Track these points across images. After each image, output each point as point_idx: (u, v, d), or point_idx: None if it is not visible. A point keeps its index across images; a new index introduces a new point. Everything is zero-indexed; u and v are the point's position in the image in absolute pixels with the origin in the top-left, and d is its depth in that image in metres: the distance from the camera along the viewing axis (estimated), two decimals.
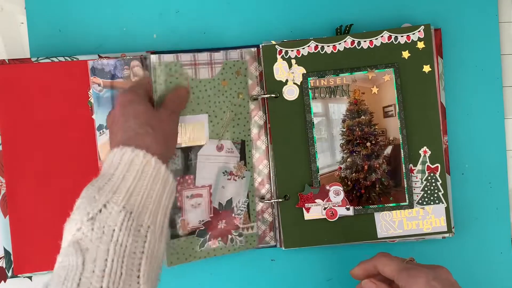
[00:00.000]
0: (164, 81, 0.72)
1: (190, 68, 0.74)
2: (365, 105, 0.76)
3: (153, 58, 0.72)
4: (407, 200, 0.76)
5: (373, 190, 0.76)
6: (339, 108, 0.76)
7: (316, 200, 0.76)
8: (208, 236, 0.75)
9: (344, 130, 0.76)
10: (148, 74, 0.73)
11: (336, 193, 0.76)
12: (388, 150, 0.76)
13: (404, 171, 0.76)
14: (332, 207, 0.76)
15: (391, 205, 0.76)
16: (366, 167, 0.76)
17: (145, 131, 0.62)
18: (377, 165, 0.76)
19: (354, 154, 0.76)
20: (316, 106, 0.76)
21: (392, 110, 0.76)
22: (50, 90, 0.75)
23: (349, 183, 0.76)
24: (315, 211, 0.76)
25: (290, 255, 0.80)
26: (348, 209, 0.76)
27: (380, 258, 0.65)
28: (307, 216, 0.76)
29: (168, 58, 0.73)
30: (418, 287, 0.60)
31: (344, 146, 0.76)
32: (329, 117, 0.76)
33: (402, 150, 0.76)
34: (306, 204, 0.76)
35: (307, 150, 0.76)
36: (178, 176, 0.73)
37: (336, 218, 0.76)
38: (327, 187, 0.76)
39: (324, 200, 0.76)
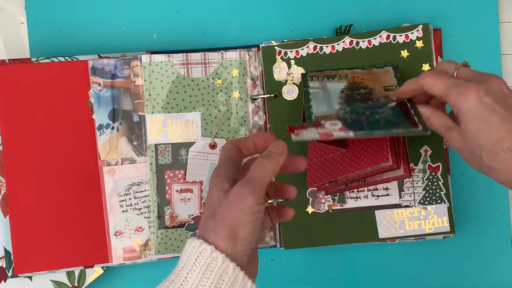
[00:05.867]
0: (154, 80, 0.75)
1: (182, 67, 0.75)
2: (364, 84, 0.73)
3: (144, 58, 0.75)
4: (419, 126, 0.62)
5: (378, 125, 0.65)
6: (337, 86, 0.73)
7: (308, 128, 0.64)
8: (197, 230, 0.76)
9: (343, 97, 0.71)
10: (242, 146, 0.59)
11: (333, 125, 0.64)
12: (392, 104, 0.68)
13: (411, 109, 0.65)
14: (328, 131, 0.63)
15: (400, 130, 0.63)
16: (368, 112, 0.67)
17: (209, 225, 0.53)
18: (381, 112, 0.68)
19: (355, 105, 0.69)
20: (313, 83, 0.74)
21: (393, 89, 0.73)
22: (50, 90, 0.75)
23: (348, 120, 0.66)
24: (306, 135, 0.63)
25: (290, 255, 0.80)
26: (347, 132, 0.62)
27: (427, 77, 0.60)
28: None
29: (159, 58, 0.75)
30: (469, 105, 0.56)
31: (343, 102, 0.70)
32: (327, 89, 0.73)
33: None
34: (295, 130, 0.63)
35: (307, 149, 0.76)
36: (168, 171, 0.76)
37: (332, 138, 0.63)
38: (322, 121, 0.64)
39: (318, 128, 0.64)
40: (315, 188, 0.76)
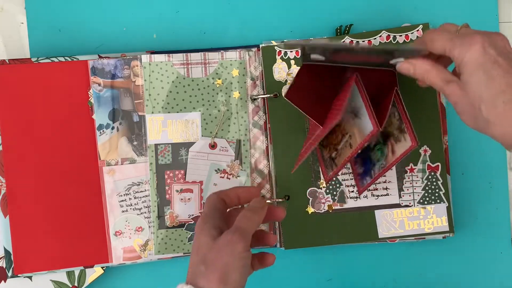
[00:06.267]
0: (154, 80, 0.75)
1: (182, 67, 0.75)
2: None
3: (144, 58, 0.75)
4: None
5: None
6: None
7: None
8: None
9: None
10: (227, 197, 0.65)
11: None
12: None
13: None
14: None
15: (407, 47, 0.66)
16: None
17: (199, 270, 0.57)
18: None
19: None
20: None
21: None
22: (50, 90, 0.75)
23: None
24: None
25: (290, 255, 0.80)
26: (346, 43, 0.66)
27: (430, 33, 0.60)
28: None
29: (159, 58, 0.75)
30: (473, 55, 0.55)
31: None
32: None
33: None
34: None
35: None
36: (168, 171, 0.76)
37: (334, 45, 0.66)
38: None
39: None
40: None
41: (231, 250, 0.56)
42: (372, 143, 0.74)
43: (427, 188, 0.77)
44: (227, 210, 0.65)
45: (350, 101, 0.69)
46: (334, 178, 0.77)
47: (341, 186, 0.77)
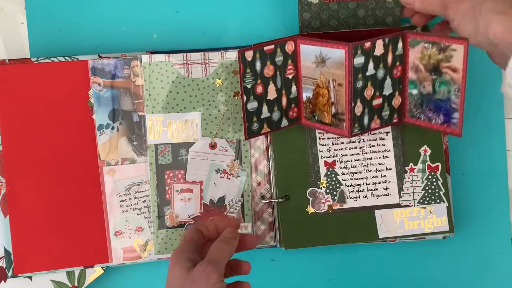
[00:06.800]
0: (154, 80, 0.75)
1: (182, 67, 0.75)
2: None
3: (144, 58, 0.75)
4: None
5: None
6: None
7: None
8: None
9: None
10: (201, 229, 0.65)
11: None
12: None
13: None
14: None
15: None
16: None
17: None
18: None
19: None
20: None
21: None
22: (50, 90, 0.75)
23: None
24: None
25: (290, 255, 0.80)
26: None
27: None
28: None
29: (159, 58, 0.74)
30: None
31: None
32: None
33: None
34: None
35: (307, 150, 0.76)
36: (168, 171, 0.76)
37: None
38: None
39: None
40: None
41: (205, 282, 0.57)
42: (428, 86, 0.71)
43: (427, 188, 0.77)
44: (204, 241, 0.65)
45: (308, 61, 0.70)
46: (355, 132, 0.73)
47: (341, 186, 0.77)
